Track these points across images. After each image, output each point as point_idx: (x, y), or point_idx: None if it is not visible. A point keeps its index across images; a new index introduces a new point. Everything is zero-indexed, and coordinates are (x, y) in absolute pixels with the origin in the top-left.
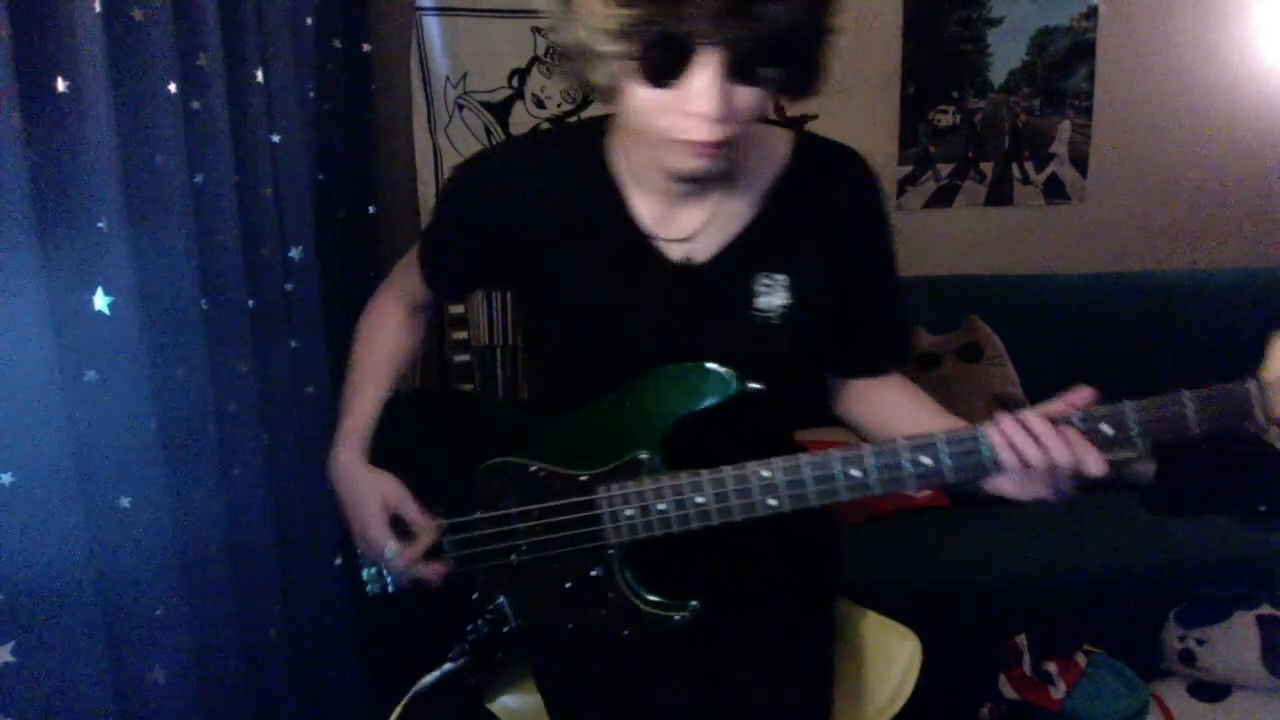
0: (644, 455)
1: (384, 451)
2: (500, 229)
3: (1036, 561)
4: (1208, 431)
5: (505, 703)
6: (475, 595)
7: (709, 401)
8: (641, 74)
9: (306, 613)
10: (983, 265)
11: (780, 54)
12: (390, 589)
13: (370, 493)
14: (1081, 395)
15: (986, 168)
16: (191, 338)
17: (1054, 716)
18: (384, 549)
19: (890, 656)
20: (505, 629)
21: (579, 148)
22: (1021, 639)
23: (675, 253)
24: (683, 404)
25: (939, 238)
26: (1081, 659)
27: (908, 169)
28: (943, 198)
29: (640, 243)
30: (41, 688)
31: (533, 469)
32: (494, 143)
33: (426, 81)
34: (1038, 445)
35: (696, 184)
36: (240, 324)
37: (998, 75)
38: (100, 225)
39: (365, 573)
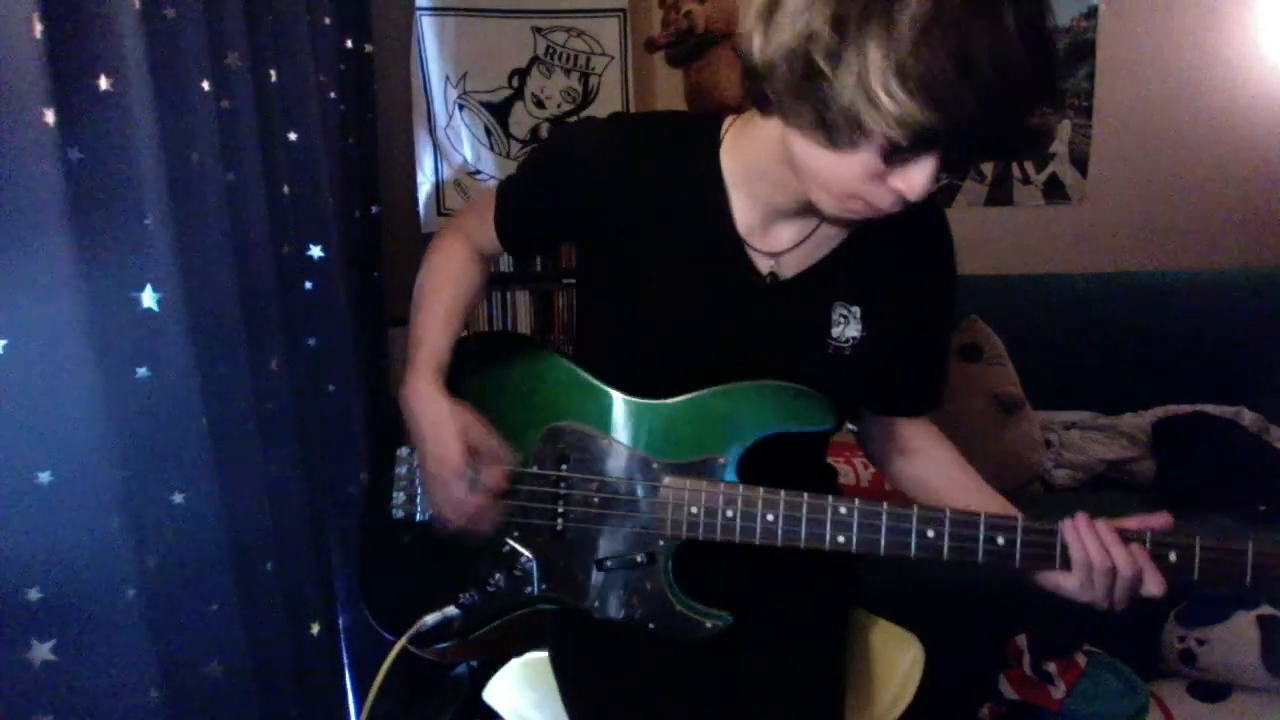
0: (723, 459)
1: (450, 387)
2: (596, 197)
3: None
4: (1258, 585)
5: (506, 697)
6: (505, 549)
7: (803, 428)
8: (877, 153)
9: (348, 606)
10: (983, 265)
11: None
12: (418, 517)
13: (450, 419)
14: (1159, 519)
15: (986, 168)
16: (232, 335)
17: (1054, 716)
18: (465, 475)
19: (893, 661)
20: (527, 589)
21: (695, 139)
22: (1021, 639)
23: (763, 264)
24: (777, 422)
25: None
26: (1081, 659)
27: None
28: (942, 198)
29: (732, 245)
30: (82, 686)
31: (602, 440)
32: (599, 116)
33: (426, 81)
34: (1104, 550)
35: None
36: (270, 321)
37: None
38: (147, 222)
39: (395, 496)
